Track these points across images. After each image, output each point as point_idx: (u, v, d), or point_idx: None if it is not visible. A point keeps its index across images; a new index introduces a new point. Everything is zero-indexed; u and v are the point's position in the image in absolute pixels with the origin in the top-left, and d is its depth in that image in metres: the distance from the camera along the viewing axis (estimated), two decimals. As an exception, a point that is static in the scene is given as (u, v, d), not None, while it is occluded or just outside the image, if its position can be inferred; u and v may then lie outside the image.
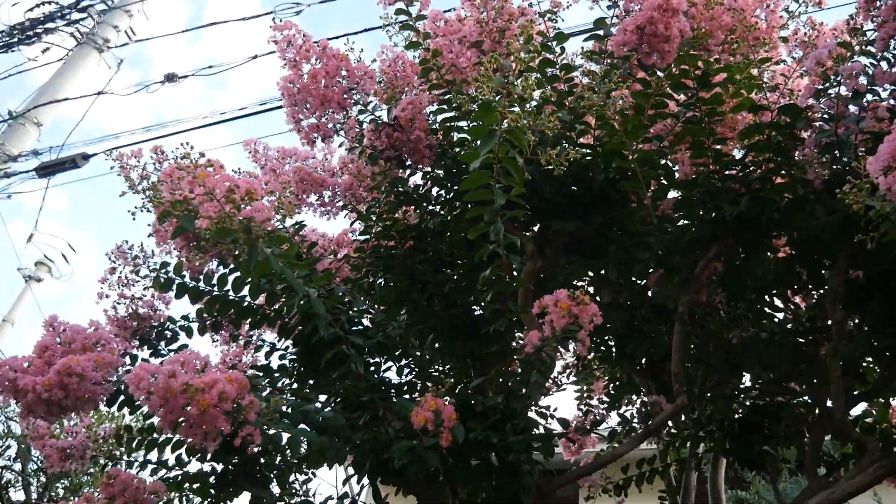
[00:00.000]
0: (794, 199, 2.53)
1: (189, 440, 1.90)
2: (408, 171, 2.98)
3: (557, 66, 2.62)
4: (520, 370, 2.23)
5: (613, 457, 2.46)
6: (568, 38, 2.71)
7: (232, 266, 2.67)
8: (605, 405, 4.72)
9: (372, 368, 2.48)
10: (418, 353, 2.54)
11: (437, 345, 2.62)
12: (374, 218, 3.45)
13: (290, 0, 7.59)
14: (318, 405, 2.31)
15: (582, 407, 4.55)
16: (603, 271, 3.10)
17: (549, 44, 2.68)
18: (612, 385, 4.59)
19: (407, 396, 2.66)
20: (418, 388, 3.03)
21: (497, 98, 1.64)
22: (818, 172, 2.45)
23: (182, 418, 1.91)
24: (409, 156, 2.78)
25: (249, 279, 2.81)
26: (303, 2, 7.49)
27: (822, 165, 2.31)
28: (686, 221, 2.72)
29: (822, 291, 2.87)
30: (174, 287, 3.04)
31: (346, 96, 2.60)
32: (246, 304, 3.05)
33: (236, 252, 1.85)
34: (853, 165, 2.26)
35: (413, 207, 3.51)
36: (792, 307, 3.05)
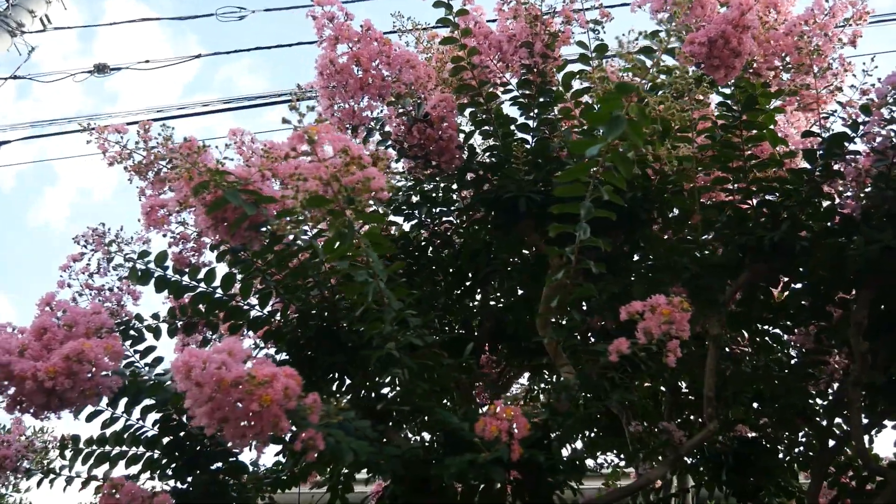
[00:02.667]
0: (824, 229, 2.55)
1: (235, 441, 1.63)
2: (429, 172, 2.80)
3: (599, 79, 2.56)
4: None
5: (647, 481, 2.35)
6: (607, 49, 2.67)
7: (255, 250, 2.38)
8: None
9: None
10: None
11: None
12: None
13: (233, 4, 7.32)
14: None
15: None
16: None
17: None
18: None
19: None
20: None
21: (636, 81, 1.53)
22: (855, 203, 2.48)
23: (230, 415, 1.65)
24: (436, 156, 2.62)
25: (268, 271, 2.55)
26: (247, 7, 7.24)
27: (867, 196, 2.34)
28: (714, 245, 2.69)
29: (822, 325, 2.90)
30: (153, 280, 2.72)
31: (383, 83, 2.42)
32: (234, 304, 2.78)
33: (322, 226, 1.62)
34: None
35: (403, 220, 3.33)
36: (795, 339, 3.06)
